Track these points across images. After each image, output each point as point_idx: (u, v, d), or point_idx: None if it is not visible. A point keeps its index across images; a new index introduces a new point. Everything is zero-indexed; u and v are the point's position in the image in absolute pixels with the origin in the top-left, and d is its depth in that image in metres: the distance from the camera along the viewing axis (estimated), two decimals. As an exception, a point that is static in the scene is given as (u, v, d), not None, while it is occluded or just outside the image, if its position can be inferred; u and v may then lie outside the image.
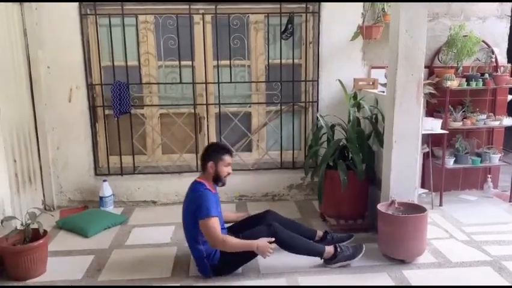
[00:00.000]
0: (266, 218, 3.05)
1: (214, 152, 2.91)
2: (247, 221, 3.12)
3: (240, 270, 2.91)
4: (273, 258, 3.01)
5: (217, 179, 2.89)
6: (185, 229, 2.86)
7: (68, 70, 3.94)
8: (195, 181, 2.90)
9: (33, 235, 2.89)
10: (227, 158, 2.90)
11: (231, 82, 4.16)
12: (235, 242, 2.73)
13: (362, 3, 4.04)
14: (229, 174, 2.93)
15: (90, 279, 2.85)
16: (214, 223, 2.70)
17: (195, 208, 2.74)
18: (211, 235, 2.69)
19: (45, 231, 2.93)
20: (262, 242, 2.73)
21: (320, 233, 3.16)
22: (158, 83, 4.19)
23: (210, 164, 2.86)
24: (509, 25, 4.29)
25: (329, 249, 2.91)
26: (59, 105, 3.98)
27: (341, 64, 4.12)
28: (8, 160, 3.30)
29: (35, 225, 2.89)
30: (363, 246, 3.01)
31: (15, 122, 3.54)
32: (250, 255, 2.79)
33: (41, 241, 2.86)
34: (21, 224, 2.91)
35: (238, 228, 3.03)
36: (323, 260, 2.93)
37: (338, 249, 2.91)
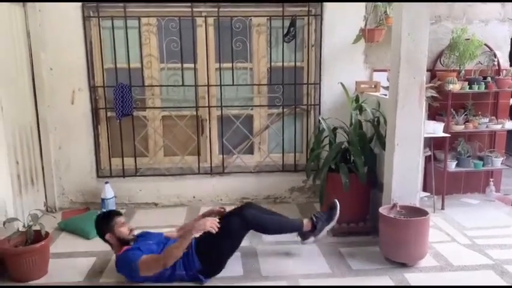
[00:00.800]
0: (243, 209, 3.04)
1: (104, 224, 2.88)
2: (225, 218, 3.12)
3: (241, 272, 2.92)
4: (275, 262, 3.02)
5: (124, 242, 2.84)
6: (154, 278, 2.77)
7: (70, 72, 3.95)
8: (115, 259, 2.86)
9: (35, 237, 2.89)
10: (118, 220, 2.87)
11: (233, 85, 4.16)
12: (174, 246, 2.71)
13: (364, 7, 4.04)
14: (131, 230, 2.90)
15: (91, 281, 2.85)
16: (145, 258, 2.68)
17: (128, 271, 2.73)
18: (152, 263, 2.67)
19: (47, 233, 2.93)
20: (199, 223, 2.73)
21: (307, 223, 3.02)
22: (160, 85, 4.20)
23: (108, 236, 2.84)
24: (511, 28, 4.29)
25: (306, 223, 2.97)
26: (62, 106, 3.99)
27: (343, 67, 4.12)
28: (11, 161, 3.30)
29: (37, 227, 2.89)
30: (336, 202, 3.05)
31: (17, 123, 3.55)
32: (225, 246, 2.79)
33: (42, 243, 2.86)
34: (23, 226, 2.92)
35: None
36: (299, 236, 2.97)
37: (314, 219, 2.96)
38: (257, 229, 2.92)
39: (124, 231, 2.86)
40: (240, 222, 2.84)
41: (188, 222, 3.22)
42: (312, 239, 3.03)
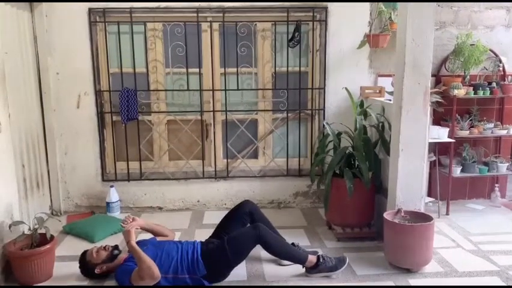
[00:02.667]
0: (244, 206, 3.11)
1: (86, 269, 2.88)
2: (228, 216, 3.17)
3: (245, 277, 2.92)
4: (278, 267, 3.01)
5: (112, 258, 2.87)
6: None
7: (76, 76, 3.98)
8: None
9: (40, 240, 2.91)
10: (89, 253, 2.88)
11: (237, 89, 4.18)
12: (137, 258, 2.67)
13: (368, 12, 4.06)
14: (105, 247, 2.91)
15: (96, 284, 2.86)
16: (133, 274, 2.67)
17: (128, 282, 2.72)
18: (138, 277, 2.64)
19: (52, 236, 2.95)
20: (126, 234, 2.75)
21: (312, 259, 2.92)
22: (165, 90, 4.22)
23: (98, 270, 2.83)
24: (516, 34, 4.29)
25: (311, 258, 2.89)
26: (68, 111, 4.02)
27: (347, 72, 4.13)
28: (17, 165, 3.32)
29: (42, 230, 2.91)
30: (346, 258, 2.97)
31: (24, 127, 3.58)
32: (233, 258, 2.77)
33: (48, 246, 2.88)
34: (29, 229, 2.93)
35: (222, 229, 3.08)
36: (304, 268, 2.92)
37: (320, 259, 2.88)
38: (266, 247, 2.85)
39: (102, 253, 2.87)
40: (252, 235, 2.80)
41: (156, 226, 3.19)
42: (318, 274, 2.93)
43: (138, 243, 2.89)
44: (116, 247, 2.95)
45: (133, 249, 2.68)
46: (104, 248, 2.92)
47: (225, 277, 2.84)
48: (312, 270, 2.89)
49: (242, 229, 2.96)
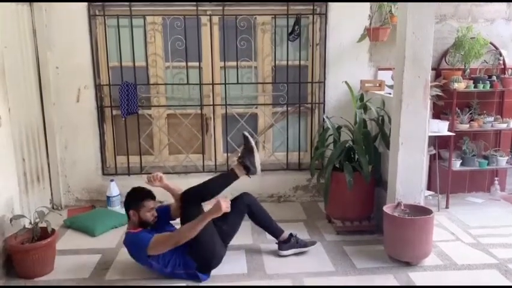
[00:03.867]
0: (243, 198, 3.14)
1: (134, 200, 2.86)
2: None
3: (245, 270, 2.93)
4: (279, 260, 3.03)
5: (144, 224, 2.85)
6: (153, 268, 2.81)
7: (76, 70, 3.98)
8: (125, 234, 2.88)
9: (41, 234, 2.92)
10: (148, 204, 2.84)
11: (237, 83, 4.17)
12: (185, 226, 2.74)
13: (369, 5, 4.04)
14: (155, 217, 2.89)
15: (97, 278, 2.87)
16: (156, 237, 2.72)
17: (137, 252, 2.78)
18: (164, 241, 2.70)
19: (53, 230, 2.96)
20: (214, 205, 2.73)
21: (285, 235, 3.16)
22: (165, 84, 4.21)
23: (132, 212, 2.83)
24: (517, 27, 4.28)
25: (285, 234, 3.13)
26: (68, 105, 4.02)
27: (347, 66, 4.12)
28: (17, 159, 3.33)
29: (43, 224, 2.92)
30: (317, 242, 3.22)
31: (24, 121, 3.58)
32: (215, 240, 2.85)
33: (49, 240, 2.89)
34: (30, 223, 2.95)
35: (218, 219, 3.03)
36: (277, 244, 3.13)
37: (292, 236, 3.11)
38: (251, 212, 3.11)
39: (148, 216, 2.85)
40: (239, 200, 3.04)
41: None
42: (292, 250, 3.13)
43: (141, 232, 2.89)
44: (153, 227, 2.87)
45: (204, 224, 2.70)
46: (154, 217, 2.87)
47: (215, 260, 2.84)
48: (284, 244, 3.10)
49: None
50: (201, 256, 2.80)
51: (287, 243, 3.12)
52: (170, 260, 2.78)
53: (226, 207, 2.71)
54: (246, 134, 3.14)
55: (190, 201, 2.92)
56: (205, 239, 2.78)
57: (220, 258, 2.91)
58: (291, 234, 3.16)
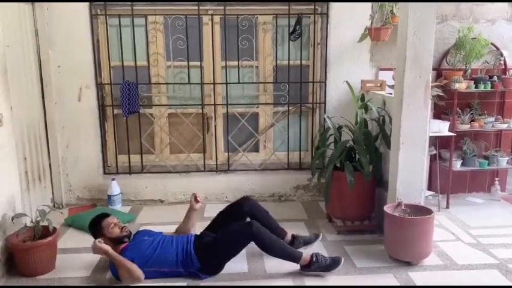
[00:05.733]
0: (243, 206, 3.09)
1: (93, 229, 2.91)
2: (225, 212, 3.16)
3: (246, 269, 2.94)
4: (279, 260, 3.02)
5: (118, 241, 2.87)
6: (151, 276, 2.81)
7: (78, 69, 3.98)
8: None
9: (42, 232, 2.93)
10: (105, 223, 2.87)
11: (238, 83, 4.18)
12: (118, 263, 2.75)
13: (370, 5, 4.04)
14: (123, 228, 2.91)
15: (98, 276, 2.88)
16: (120, 272, 2.74)
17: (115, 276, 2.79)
18: (124, 273, 2.73)
19: (54, 229, 2.97)
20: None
21: (288, 237, 3.14)
22: (166, 83, 4.22)
23: (102, 240, 2.82)
24: (518, 28, 4.28)
25: (305, 257, 2.85)
26: (69, 104, 4.03)
27: (348, 65, 4.12)
28: (19, 158, 3.34)
29: (44, 223, 2.93)
30: (342, 259, 2.89)
31: (25, 120, 3.59)
32: (224, 252, 2.82)
33: (50, 238, 2.90)
34: (31, 221, 2.95)
35: (220, 224, 3.10)
36: (299, 265, 2.88)
37: (314, 259, 2.84)
38: (259, 244, 2.84)
39: (115, 231, 2.87)
40: (245, 232, 2.81)
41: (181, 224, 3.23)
42: (311, 273, 2.90)
43: (138, 233, 2.93)
44: (128, 236, 2.92)
45: (111, 256, 2.73)
46: (122, 228, 2.90)
47: (219, 270, 2.86)
48: (305, 268, 2.86)
49: (236, 225, 2.91)
50: (209, 264, 2.82)
51: (292, 245, 3.08)
52: (167, 260, 2.79)
53: (93, 248, 2.75)
54: (342, 261, 2.88)
55: (252, 238, 2.80)
56: (224, 257, 2.82)
57: (221, 271, 2.89)
58: (293, 236, 3.14)
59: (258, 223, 2.87)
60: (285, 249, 2.88)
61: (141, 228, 3.26)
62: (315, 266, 2.84)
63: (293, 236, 3.16)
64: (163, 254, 2.80)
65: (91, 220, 2.98)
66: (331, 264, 2.86)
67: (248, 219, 3.07)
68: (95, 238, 2.87)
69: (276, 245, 2.86)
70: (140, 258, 2.77)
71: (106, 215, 2.96)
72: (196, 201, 3.12)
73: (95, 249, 2.76)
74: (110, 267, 2.82)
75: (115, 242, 2.86)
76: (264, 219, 3.10)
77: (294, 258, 2.86)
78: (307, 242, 3.20)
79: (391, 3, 3.91)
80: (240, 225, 2.89)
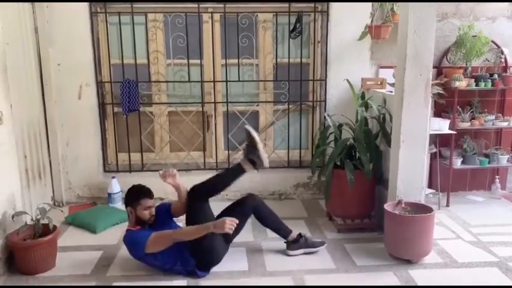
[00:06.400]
0: (247, 203, 3.09)
1: (131, 197, 2.88)
2: (229, 208, 3.14)
3: (246, 267, 2.94)
4: (279, 257, 3.03)
5: (141, 222, 2.87)
6: (151, 265, 2.85)
7: (78, 68, 3.98)
8: (125, 231, 2.89)
9: (43, 230, 2.93)
10: (144, 202, 2.85)
11: (239, 81, 4.18)
12: (187, 229, 2.78)
13: (370, 3, 4.04)
14: (152, 216, 2.89)
15: (98, 274, 2.88)
16: (154, 235, 2.72)
17: (135, 250, 2.79)
18: (162, 239, 2.71)
19: (55, 227, 2.97)
20: (219, 221, 2.70)
21: (293, 235, 3.13)
22: (166, 81, 4.22)
23: (129, 209, 2.86)
24: (519, 25, 4.27)
25: (294, 234, 3.10)
26: (69, 102, 4.02)
27: (349, 63, 4.12)
28: (19, 156, 3.33)
29: (44, 221, 2.92)
30: (325, 243, 3.18)
31: (25, 118, 3.58)
32: (217, 243, 2.83)
33: (50, 236, 2.90)
34: (32, 219, 2.95)
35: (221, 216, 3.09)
36: (286, 243, 3.09)
37: (301, 236, 3.08)
38: (258, 214, 3.08)
39: (145, 214, 2.86)
40: (244, 202, 3.03)
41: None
42: (300, 250, 3.09)
43: (140, 230, 2.92)
44: (150, 224, 2.88)
45: (202, 234, 2.69)
46: (151, 216, 2.87)
47: (216, 260, 2.86)
48: (292, 244, 3.07)
49: (235, 211, 3.01)
50: (200, 256, 2.81)
51: (296, 243, 3.09)
52: (169, 257, 2.79)
53: (229, 228, 2.66)
54: (248, 127, 3.08)
55: (196, 198, 2.93)
56: (205, 242, 2.78)
57: (220, 258, 2.91)
58: (299, 234, 3.13)
59: (253, 202, 3.06)
60: (281, 223, 3.11)
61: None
62: (302, 242, 3.07)
63: (299, 234, 3.13)
64: (166, 253, 2.78)
65: (136, 186, 2.94)
66: (315, 243, 3.14)
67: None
68: (126, 205, 2.88)
69: (273, 216, 3.12)
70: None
71: (148, 194, 2.91)
72: (164, 177, 3.07)
73: (224, 227, 2.65)
74: (130, 238, 2.80)
75: (137, 220, 2.86)
76: (268, 219, 3.12)
77: (286, 231, 3.10)
78: (311, 245, 3.13)
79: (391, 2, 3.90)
80: (238, 201, 3.11)
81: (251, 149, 3.00)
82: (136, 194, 2.89)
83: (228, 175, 3.10)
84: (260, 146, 2.99)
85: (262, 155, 2.99)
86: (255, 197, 3.18)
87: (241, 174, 3.03)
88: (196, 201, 2.92)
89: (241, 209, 3.07)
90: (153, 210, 2.91)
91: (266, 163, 3.01)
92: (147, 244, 2.70)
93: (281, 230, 3.13)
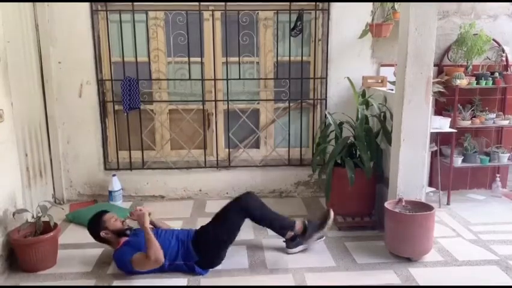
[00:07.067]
0: (240, 203, 3.00)
1: (95, 225, 2.91)
2: (228, 207, 3.06)
3: (247, 265, 2.95)
4: (280, 255, 3.03)
5: (121, 234, 2.89)
6: (148, 272, 2.84)
7: (78, 65, 3.98)
8: (113, 255, 2.88)
9: (44, 228, 2.93)
10: (107, 217, 2.91)
11: (239, 79, 4.17)
12: (148, 242, 2.74)
13: (371, 1, 4.03)
14: (123, 222, 2.93)
15: (99, 272, 2.89)
16: (135, 257, 2.73)
17: (125, 268, 2.78)
18: (142, 262, 2.72)
19: (55, 224, 2.98)
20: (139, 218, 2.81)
21: (299, 225, 3.03)
22: (167, 79, 4.22)
23: (103, 233, 2.86)
24: (520, 24, 4.26)
25: (298, 224, 3.02)
26: (70, 100, 4.03)
27: (349, 62, 4.12)
28: (20, 154, 3.34)
29: (45, 218, 2.93)
30: (331, 211, 3.08)
31: (26, 116, 3.59)
32: (222, 234, 2.84)
33: (51, 234, 2.91)
34: (32, 217, 2.96)
35: (218, 229, 3.04)
36: (285, 242, 3.05)
37: (306, 223, 3.02)
38: (252, 217, 2.95)
39: (117, 224, 2.90)
40: (236, 209, 2.90)
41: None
42: (300, 247, 3.05)
43: (135, 230, 2.93)
44: (130, 229, 2.93)
45: (147, 231, 2.74)
46: (122, 222, 2.94)
47: (219, 261, 2.88)
48: (291, 242, 3.03)
49: (226, 205, 2.98)
50: (208, 253, 2.83)
51: (294, 241, 3.06)
52: (168, 253, 2.79)
53: (142, 217, 2.78)
54: (331, 213, 3.06)
55: (243, 210, 2.89)
56: (222, 240, 2.84)
57: (221, 260, 2.92)
58: (304, 225, 3.04)
59: (248, 199, 2.95)
60: (278, 218, 3.01)
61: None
62: (310, 229, 2.98)
63: (304, 224, 3.05)
64: (164, 246, 2.79)
65: (91, 217, 2.99)
66: (322, 222, 3.04)
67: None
68: (97, 234, 2.89)
69: (269, 214, 2.98)
70: (143, 250, 2.76)
71: (105, 211, 3.00)
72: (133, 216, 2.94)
73: (140, 216, 2.79)
74: (116, 258, 2.81)
75: (118, 234, 2.88)
76: (262, 216, 2.99)
77: (288, 225, 3.00)
78: (309, 237, 3.05)
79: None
80: (231, 204, 2.96)
81: (316, 229, 3.02)
82: (96, 218, 2.94)
83: (279, 219, 3.01)
84: (321, 231, 3.02)
85: (315, 238, 3.02)
86: (248, 198, 3.00)
87: (288, 229, 3.01)
88: (237, 216, 2.89)
89: (233, 212, 2.95)
90: (119, 218, 2.95)
91: (309, 245, 3.05)
92: (132, 263, 2.73)
93: (277, 230, 3.05)
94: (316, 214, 3.20)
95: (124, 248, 2.81)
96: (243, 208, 2.90)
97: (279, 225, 3.02)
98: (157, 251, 2.69)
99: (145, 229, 2.75)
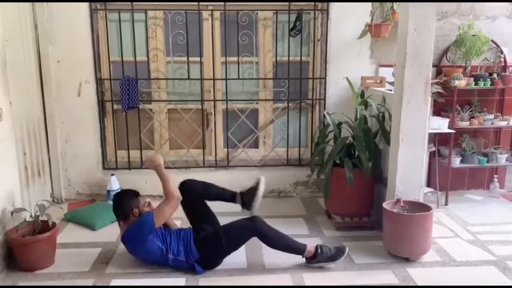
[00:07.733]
0: (255, 217, 2.95)
1: (129, 199, 2.92)
2: (234, 224, 3.03)
3: (245, 265, 2.95)
4: (278, 255, 3.03)
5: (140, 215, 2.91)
6: (152, 260, 2.87)
7: (77, 65, 3.98)
8: (123, 235, 2.88)
9: (42, 227, 2.93)
10: (142, 201, 2.97)
11: (238, 79, 4.17)
12: (164, 185, 2.91)
13: (370, 2, 4.03)
14: (149, 205, 3.00)
15: (97, 271, 2.89)
16: (156, 211, 2.83)
17: (137, 234, 2.80)
18: (165, 210, 2.84)
19: (54, 224, 2.97)
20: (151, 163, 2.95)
21: (311, 249, 2.90)
22: (166, 79, 4.21)
23: (136, 210, 2.88)
24: (518, 25, 4.27)
25: (310, 249, 2.88)
26: (69, 99, 4.02)
27: (348, 62, 4.12)
28: (18, 153, 3.34)
29: (44, 217, 2.93)
30: (346, 248, 2.95)
31: (25, 115, 3.58)
32: (228, 245, 2.83)
33: (49, 233, 2.90)
34: (31, 216, 2.96)
35: (214, 216, 3.14)
36: (304, 258, 2.91)
37: (319, 250, 2.88)
38: (263, 240, 2.87)
39: (145, 210, 2.92)
40: (249, 227, 2.84)
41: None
42: (317, 264, 2.92)
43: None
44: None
45: (162, 169, 2.90)
46: (148, 204, 2.99)
47: (218, 265, 2.90)
48: (311, 260, 2.89)
49: (238, 220, 2.93)
50: (210, 256, 2.85)
51: (315, 258, 2.89)
52: (171, 247, 2.82)
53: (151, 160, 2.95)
54: (261, 179, 3.13)
55: (255, 231, 2.86)
56: (226, 250, 2.85)
57: (221, 261, 2.93)
58: (317, 248, 2.91)
59: (260, 218, 2.89)
60: (289, 243, 2.91)
61: None
62: (321, 257, 2.87)
63: (316, 248, 2.92)
64: (169, 241, 2.84)
65: (128, 190, 3.06)
66: (336, 254, 2.90)
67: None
68: (128, 206, 2.89)
69: (280, 238, 2.90)
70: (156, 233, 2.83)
71: (135, 192, 3.01)
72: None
73: (152, 160, 2.95)
74: (125, 239, 2.84)
75: (140, 215, 2.89)
76: (274, 244, 2.91)
77: (299, 250, 2.90)
78: (332, 258, 2.91)
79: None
80: (242, 220, 2.91)
81: (251, 195, 3.05)
82: (133, 195, 2.95)
83: (291, 245, 2.92)
84: (259, 198, 3.05)
85: (256, 205, 3.03)
86: (256, 224, 2.88)
87: (230, 201, 3.10)
88: (248, 234, 2.88)
89: (243, 232, 2.90)
90: (150, 204, 3.01)
91: (253, 212, 3.04)
92: (155, 218, 2.79)
93: (292, 249, 2.93)
94: (333, 244, 3.08)
95: (140, 219, 2.82)
96: (255, 229, 2.84)
97: (290, 250, 2.91)
98: (175, 188, 2.87)
99: (159, 168, 2.88)
